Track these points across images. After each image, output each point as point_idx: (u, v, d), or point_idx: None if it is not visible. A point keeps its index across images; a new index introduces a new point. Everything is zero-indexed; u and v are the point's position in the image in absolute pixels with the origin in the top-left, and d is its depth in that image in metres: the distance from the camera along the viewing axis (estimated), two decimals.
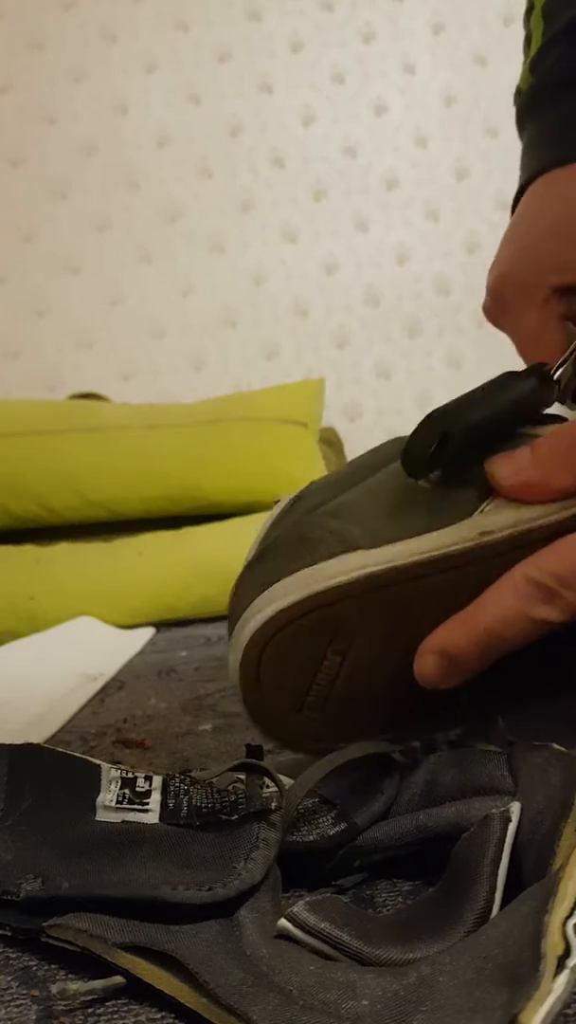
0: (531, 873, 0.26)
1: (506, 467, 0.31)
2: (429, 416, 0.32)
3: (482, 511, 0.31)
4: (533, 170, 0.40)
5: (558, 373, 0.35)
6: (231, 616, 0.33)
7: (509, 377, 0.34)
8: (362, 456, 0.36)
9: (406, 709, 0.34)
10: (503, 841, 0.27)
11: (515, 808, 0.28)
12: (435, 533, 0.31)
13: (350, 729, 0.33)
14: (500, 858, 0.26)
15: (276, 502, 0.36)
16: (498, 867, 0.26)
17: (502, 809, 0.28)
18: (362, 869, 0.32)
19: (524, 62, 0.44)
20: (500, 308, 0.40)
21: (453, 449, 0.31)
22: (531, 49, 0.44)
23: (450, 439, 0.31)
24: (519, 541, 0.30)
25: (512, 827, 0.27)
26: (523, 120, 0.44)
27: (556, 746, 0.30)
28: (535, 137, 0.42)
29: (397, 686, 0.32)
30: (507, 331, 0.41)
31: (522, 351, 0.40)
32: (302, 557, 0.31)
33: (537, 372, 0.35)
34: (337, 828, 0.32)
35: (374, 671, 0.32)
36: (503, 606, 0.29)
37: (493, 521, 0.31)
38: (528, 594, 0.29)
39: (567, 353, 0.35)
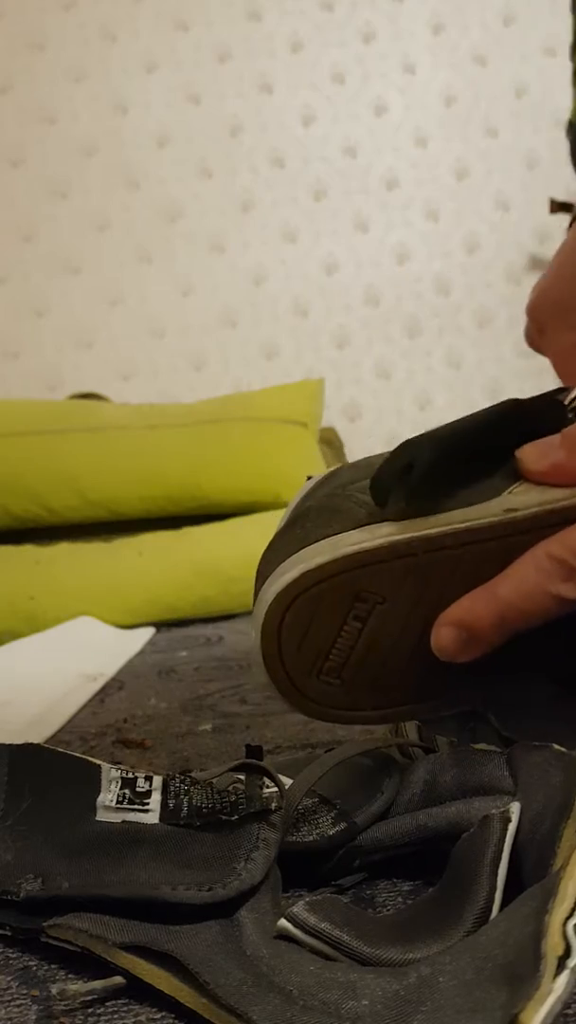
0: (531, 873, 0.26)
1: (535, 451, 0.32)
2: (401, 443, 0.33)
3: (510, 492, 0.32)
4: None
5: (572, 399, 0.35)
6: (258, 578, 0.34)
7: (510, 404, 0.34)
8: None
9: (422, 683, 0.34)
10: (503, 841, 0.27)
11: (515, 808, 0.28)
12: (461, 510, 0.31)
13: (365, 699, 0.34)
14: (500, 858, 0.26)
15: (309, 479, 0.36)
16: (498, 867, 0.26)
17: (502, 809, 0.28)
18: (362, 869, 0.32)
19: (573, 95, 0.45)
20: (538, 330, 0.41)
21: (416, 478, 0.31)
22: None
23: (414, 468, 0.31)
24: (543, 521, 0.31)
25: (512, 827, 0.27)
26: None
27: (556, 746, 0.30)
28: None
29: (415, 659, 0.33)
30: (545, 353, 0.41)
31: (559, 373, 0.41)
32: (330, 525, 0.32)
33: (547, 399, 0.35)
34: (337, 828, 0.32)
35: (393, 641, 0.33)
36: (524, 581, 0.30)
37: (519, 500, 0.31)
38: (550, 570, 0.29)
39: None
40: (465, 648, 0.31)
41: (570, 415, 0.34)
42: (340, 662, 0.33)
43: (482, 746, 0.33)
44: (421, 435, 0.32)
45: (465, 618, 0.31)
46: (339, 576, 0.31)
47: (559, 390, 0.35)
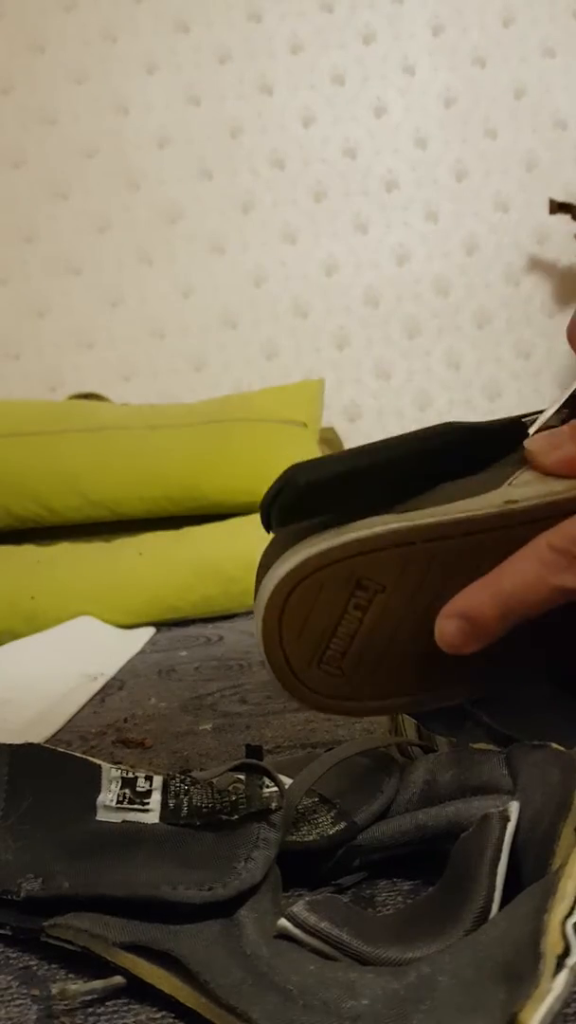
0: (530, 872, 0.26)
1: (545, 443, 0.32)
2: (287, 468, 0.33)
3: (510, 483, 0.32)
4: None
5: (535, 428, 0.34)
6: (260, 568, 0.34)
7: (446, 430, 0.33)
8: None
9: (422, 674, 0.34)
10: (502, 840, 0.27)
11: (513, 807, 0.28)
12: (462, 500, 0.32)
13: (366, 689, 0.34)
14: (499, 858, 0.26)
15: None
16: (497, 867, 0.26)
17: (501, 809, 0.28)
18: (362, 868, 0.32)
19: None
20: None
21: (282, 503, 0.32)
22: None
23: (282, 493, 0.32)
24: (544, 512, 0.31)
25: (511, 826, 0.27)
26: None
27: (555, 745, 0.30)
28: None
29: (415, 649, 0.33)
30: None
31: None
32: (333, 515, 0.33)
33: (505, 422, 0.34)
34: (337, 827, 0.32)
35: (394, 631, 0.33)
36: (526, 572, 0.30)
37: (520, 492, 0.32)
38: (551, 561, 0.30)
39: (555, 406, 0.35)
40: (469, 640, 0.31)
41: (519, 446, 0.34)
42: (341, 651, 0.33)
43: (481, 745, 0.33)
44: (309, 460, 0.33)
45: (469, 610, 0.31)
46: (340, 563, 0.32)
47: (523, 415, 0.35)
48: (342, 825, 0.32)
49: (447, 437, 0.33)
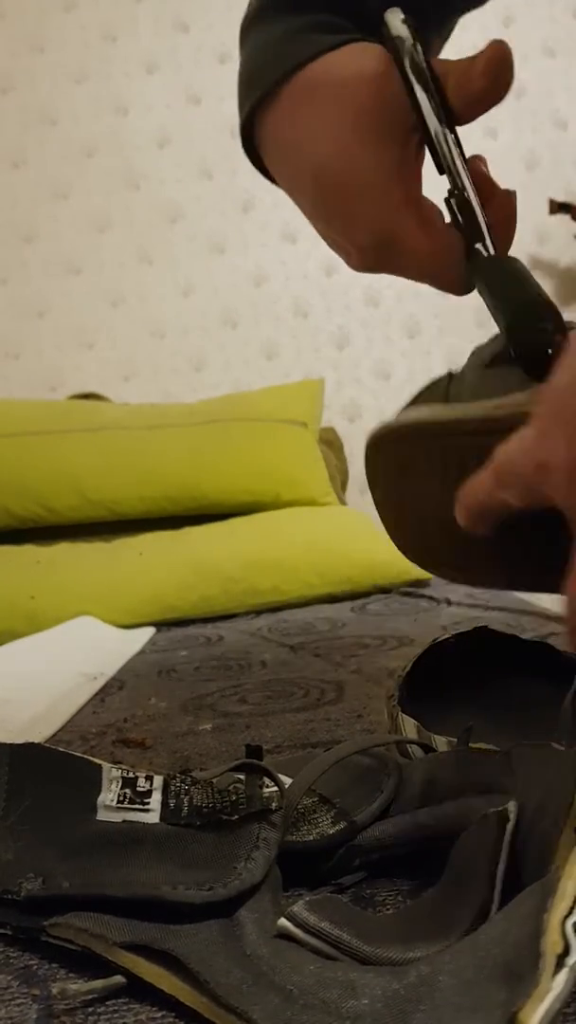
0: (531, 872, 0.26)
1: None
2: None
3: (507, 393, 0.35)
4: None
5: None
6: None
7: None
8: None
9: (470, 552, 0.37)
10: (501, 840, 0.27)
11: (512, 807, 0.28)
12: (479, 402, 0.36)
13: (425, 558, 0.40)
14: (499, 858, 0.26)
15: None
16: (497, 866, 0.26)
17: (499, 808, 0.28)
18: (362, 868, 0.32)
19: None
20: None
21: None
22: None
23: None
24: (503, 424, 0.33)
25: (510, 826, 0.27)
26: (246, 31, 0.49)
27: (555, 744, 0.30)
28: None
29: (456, 530, 0.36)
30: None
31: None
32: (420, 395, 0.40)
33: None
34: (336, 827, 0.32)
35: (436, 510, 0.37)
36: (484, 482, 0.33)
37: (506, 401, 0.35)
38: (495, 476, 0.33)
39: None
40: (472, 523, 0.34)
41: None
42: (408, 513, 0.40)
43: (481, 745, 0.33)
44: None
45: (464, 499, 0.34)
46: (390, 444, 0.39)
47: None
48: (342, 825, 0.32)
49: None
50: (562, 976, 0.20)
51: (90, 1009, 0.26)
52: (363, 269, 0.43)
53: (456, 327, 1.91)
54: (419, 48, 0.38)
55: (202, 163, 1.87)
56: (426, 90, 0.38)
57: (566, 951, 0.21)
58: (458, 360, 0.40)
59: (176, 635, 1.01)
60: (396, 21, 0.39)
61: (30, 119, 1.84)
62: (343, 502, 1.60)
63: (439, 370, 0.41)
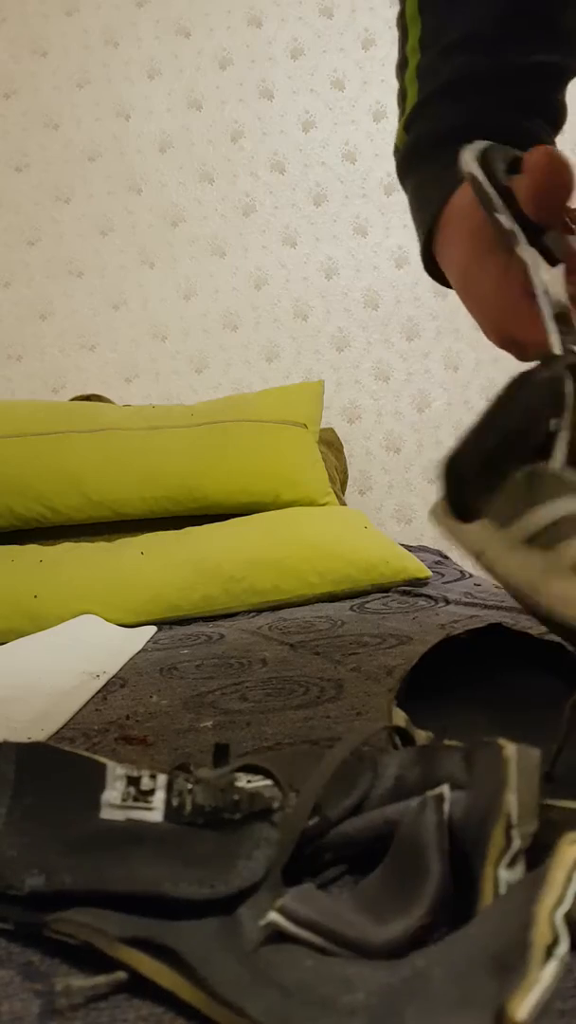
0: (463, 855, 0.28)
1: None
2: (445, 464, 0.35)
3: None
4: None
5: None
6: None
7: (518, 382, 0.36)
8: None
9: None
10: (441, 818, 0.28)
11: (445, 789, 0.29)
12: None
13: None
14: (443, 836, 0.28)
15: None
16: (443, 843, 0.27)
17: (435, 792, 0.29)
18: (336, 862, 0.32)
19: (400, 118, 0.49)
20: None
21: (468, 492, 0.34)
22: (406, 106, 0.50)
23: (466, 486, 0.34)
24: None
25: (446, 806, 0.28)
26: (404, 175, 0.51)
27: (501, 742, 0.30)
28: (418, 189, 0.49)
29: None
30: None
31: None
32: None
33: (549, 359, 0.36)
34: (309, 823, 0.31)
35: None
36: None
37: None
38: None
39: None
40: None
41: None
42: None
43: (453, 742, 0.33)
44: (455, 449, 0.35)
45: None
46: None
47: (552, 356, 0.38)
48: (314, 820, 0.31)
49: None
50: (551, 967, 0.20)
51: (91, 1004, 0.26)
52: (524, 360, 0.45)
53: (454, 329, 1.92)
54: (486, 179, 0.40)
55: (203, 167, 1.88)
56: (499, 212, 0.40)
57: (555, 942, 0.21)
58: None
59: (177, 633, 1.02)
60: (468, 157, 0.41)
61: (32, 123, 1.85)
62: (343, 502, 1.61)
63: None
